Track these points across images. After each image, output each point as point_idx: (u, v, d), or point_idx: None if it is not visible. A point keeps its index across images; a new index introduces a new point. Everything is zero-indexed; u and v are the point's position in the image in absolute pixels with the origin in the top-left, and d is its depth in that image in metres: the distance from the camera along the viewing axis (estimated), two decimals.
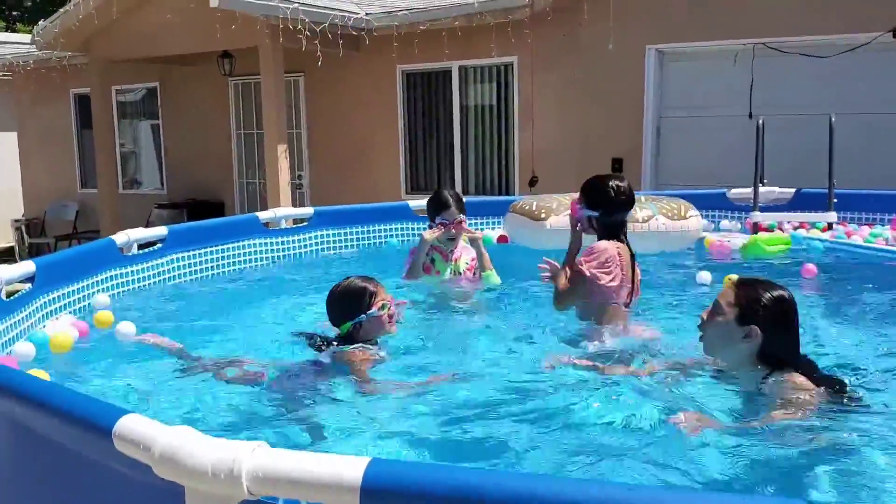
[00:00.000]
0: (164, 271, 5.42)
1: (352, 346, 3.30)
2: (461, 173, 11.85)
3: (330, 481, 1.47)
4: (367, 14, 11.14)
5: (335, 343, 3.34)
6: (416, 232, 7.04)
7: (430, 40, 10.95)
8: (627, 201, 3.92)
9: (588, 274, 3.75)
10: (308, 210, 6.65)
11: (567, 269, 3.88)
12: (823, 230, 6.88)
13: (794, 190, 7.58)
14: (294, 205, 11.47)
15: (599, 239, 3.92)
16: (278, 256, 6.36)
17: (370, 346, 3.32)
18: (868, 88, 9.20)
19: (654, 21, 10.11)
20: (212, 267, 5.86)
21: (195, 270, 5.69)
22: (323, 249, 6.68)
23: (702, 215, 6.59)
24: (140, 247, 5.30)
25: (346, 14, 10.74)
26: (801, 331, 2.89)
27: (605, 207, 3.89)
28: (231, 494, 1.58)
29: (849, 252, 5.92)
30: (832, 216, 7.00)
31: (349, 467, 1.47)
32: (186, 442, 1.62)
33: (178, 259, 5.54)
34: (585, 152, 10.68)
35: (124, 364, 3.70)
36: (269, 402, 3.02)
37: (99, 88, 12.78)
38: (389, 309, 3.38)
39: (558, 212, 6.17)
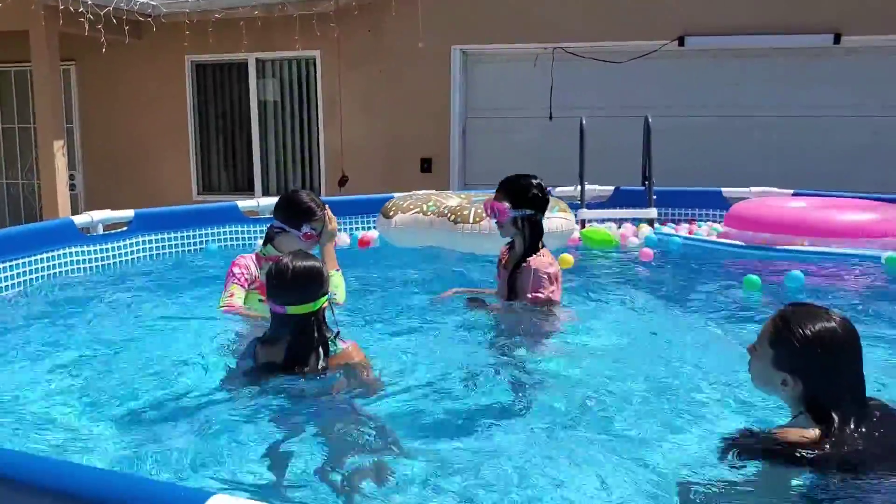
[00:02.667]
0: None
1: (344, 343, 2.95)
2: (261, 172, 11.22)
3: None
4: None
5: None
6: (246, 235, 6.53)
7: (226, 30, 10.25)
8: (547, 200, 3.96)
9: (557, 300, 3.87)
10: (128, 213, 5.89)
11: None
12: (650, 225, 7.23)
13: (612, 188, 7.90)
14: (71, 209, 10.25)
15: (524, 240, 3.88)
16: (96, 267, 5.57)
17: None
18: (659, 92, 9.86)
19: (459, 22, 10.16)
20: (21, 283, 5.00)
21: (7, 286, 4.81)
22: (145, 257, 5.96)
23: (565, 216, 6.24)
24: None
25: None
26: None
27: (536, 207, 3.88)
28: None
29: (703, 248, 6.22)
30: (653, 212, 7.37)
31: None
32: None
33: None
34: (394, 152, 10.53)
35: None
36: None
37: None
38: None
39: (406, 210, 6.22)
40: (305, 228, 3.90)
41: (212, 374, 3.06)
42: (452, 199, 6.36)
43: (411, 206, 6.22)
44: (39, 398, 3.02)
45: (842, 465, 2.15)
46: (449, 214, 6.00)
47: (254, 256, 3.96)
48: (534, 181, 3.92)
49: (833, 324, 2.28)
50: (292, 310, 2.83)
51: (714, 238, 6.55)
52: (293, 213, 3.94)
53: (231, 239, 6.46)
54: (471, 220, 5.89)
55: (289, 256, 2.92)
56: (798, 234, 6.03)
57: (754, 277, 4.85)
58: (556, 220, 5.97)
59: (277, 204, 4.01)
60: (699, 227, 7.16)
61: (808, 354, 2.25)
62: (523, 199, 3.85)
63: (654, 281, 5.47)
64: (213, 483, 2.12)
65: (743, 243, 6.24)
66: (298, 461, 2.40)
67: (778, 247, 6.02)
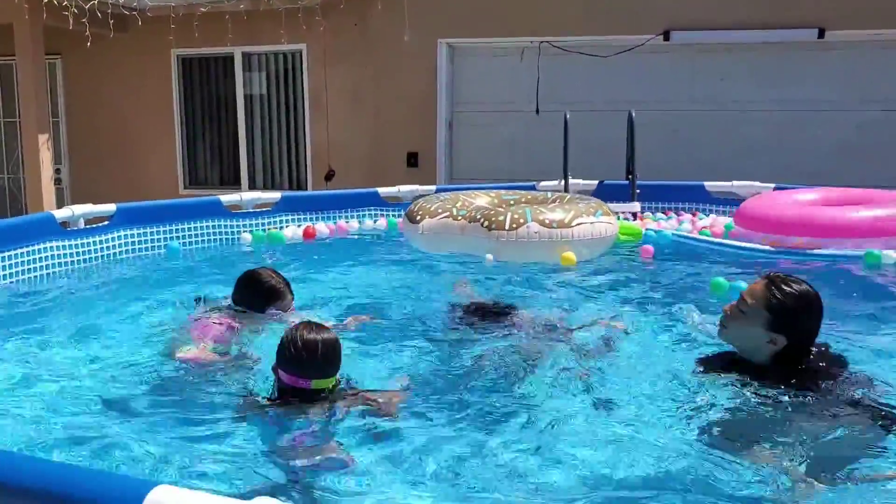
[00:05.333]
0: None
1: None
2: (247, 166, 11.21)
3: None
4: None
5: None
6: (228, 230, 6.53)
7: (211, 23, 10.22)
8: None
9: None
10: (110, 207, 5.88)
11: None
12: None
13: (596, 182, 7.92)
14: (56, 203, 10.23)
15: None
16: (78, 261, 5.57)
17: None
18: (644, 86, 9.88)
19: (445, 15, 10.16)
20: (1, 277, 5.00)
21: None
22: (127, 252, 5.95)
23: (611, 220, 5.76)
24: None
25: None
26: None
27: None
28: None
29: (693, 245, 6.16)
30: (636, 206, 7.39)
31: None
32: None
33: None
34: (380, 146, 10.53)
35: None
36: None
37: None
38: None
39: (434, 214, 5.72)
40: (271, 310, 3.71)
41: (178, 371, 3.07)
42: (480, 199, 5.95)
43: (440, 210, 5.71)
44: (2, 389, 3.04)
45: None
46: (482, 220, 5.48)
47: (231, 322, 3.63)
48: None
49: (812, 289, 2.69)
50: (317, 384, 2.75)
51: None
52: (258, 294, 3.73)
53: (213, 234, 6.46)
54: (507, 227, 5.36)
55: (313, 330, 2.81)
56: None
57: (721, 280, 4.70)
58: (600, 224, 5.56)
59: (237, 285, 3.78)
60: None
61: (801, 316, 2.63)
62: None
63: (651, 280, 5.37)
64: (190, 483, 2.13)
65: (732, 241, 6.18)
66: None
67: (772, 245, 5.92)
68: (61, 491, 1.38)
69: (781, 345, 2.65)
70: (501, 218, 5.40)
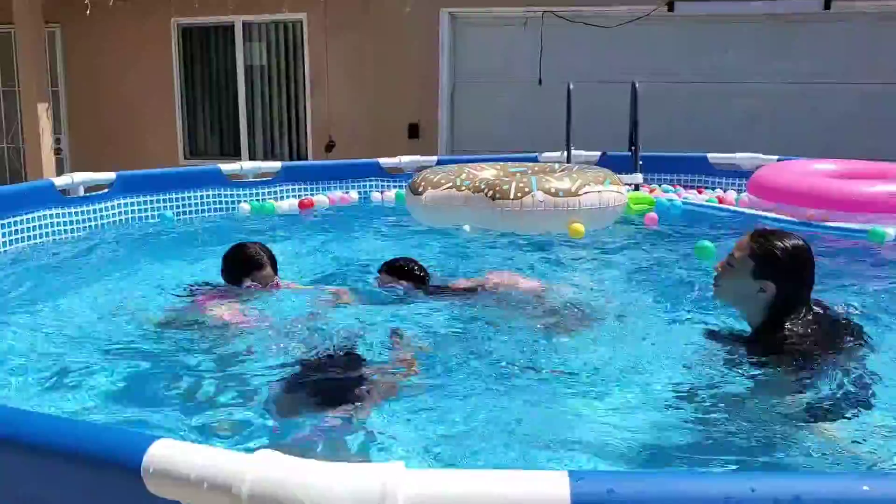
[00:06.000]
0: None
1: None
2: (247, 137, 11.16)
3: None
4: None
5: None
6: (228, 199, 6.51)
7: None
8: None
9: None
10: (110, 175, 5.87)
11: None
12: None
13: (599, 153, 7.88)
14: (57, 172, 10.21)
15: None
16: (77, 229, 5.56)
17: None
18: (647, 57, 9.80)
19: None
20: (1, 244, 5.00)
21: None
22: (127, 220, 5.94)
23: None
24: None
25: None
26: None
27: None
28: None
29: (703, 212, 6.12)
30: (638, 178, 7.36)
31: (551, 485, 1.18)
32: (297, 472, 1.20)
33: None
34: (381, 116, 10.47)
35: None
36: None
37: None
38: None
39: (437, 185, 5.51)
40: (249, 282, 3.62)
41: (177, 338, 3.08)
42: (486, 171, 5.76)
43: (443, 181, 5.51)
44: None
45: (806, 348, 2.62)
46: (486, 189, 5.29)
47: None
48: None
49: (801, 241, 2.77)
50: None
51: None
52: (237, 265, 3.68)
53: (214, 203, 6.44)
54: (511, 196, 5.16)
55: None
56: None
57: (707, 244, 4.54)
58: (608, 193, 5.36)
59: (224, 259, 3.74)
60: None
61: (786, 263, 2.70)
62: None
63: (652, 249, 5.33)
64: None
65: (741, 208, 6.12)
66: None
67: (781, 214, 5.82)
68: (63, 445, 1.38)
69: (772, 292, 2.71)
70: (506, 187, 5.22)
